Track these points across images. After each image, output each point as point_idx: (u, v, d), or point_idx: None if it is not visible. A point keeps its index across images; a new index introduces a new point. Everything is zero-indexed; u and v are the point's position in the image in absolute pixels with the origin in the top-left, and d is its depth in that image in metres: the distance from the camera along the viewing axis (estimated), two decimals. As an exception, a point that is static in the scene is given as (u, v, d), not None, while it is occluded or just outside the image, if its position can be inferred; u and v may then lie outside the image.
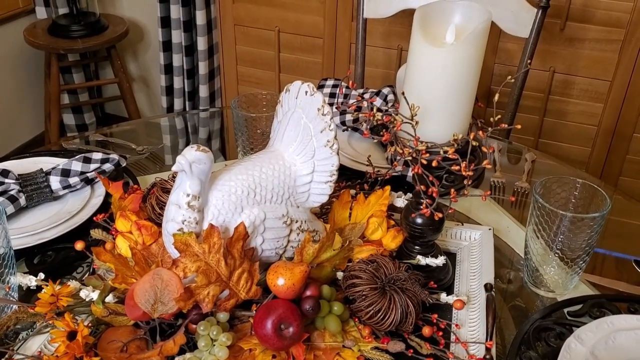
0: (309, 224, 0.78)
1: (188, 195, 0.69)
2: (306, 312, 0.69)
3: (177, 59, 2.43)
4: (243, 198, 0.72)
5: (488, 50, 1.85)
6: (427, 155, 0.69)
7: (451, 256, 0.88)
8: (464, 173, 0.68)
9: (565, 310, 0.80)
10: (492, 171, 1.12)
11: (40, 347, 0.70)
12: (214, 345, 0.67)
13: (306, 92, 0.73)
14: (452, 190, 0.72)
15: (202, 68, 2.39)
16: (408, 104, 0.67)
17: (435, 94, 0.69)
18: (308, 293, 0.70)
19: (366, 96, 1.15)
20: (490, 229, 0.91)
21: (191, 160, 0.68)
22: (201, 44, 2.33)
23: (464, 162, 0.67)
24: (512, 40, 1.76)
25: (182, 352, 0.68)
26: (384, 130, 0.70)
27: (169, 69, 2.47)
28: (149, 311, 0.66)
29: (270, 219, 0.73)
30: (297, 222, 0.76)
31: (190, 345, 0.69)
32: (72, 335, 0.64)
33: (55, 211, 0.96)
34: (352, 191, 0.89)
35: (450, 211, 0.74)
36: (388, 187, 0.84)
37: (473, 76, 0.69)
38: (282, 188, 0.75)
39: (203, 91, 2.45)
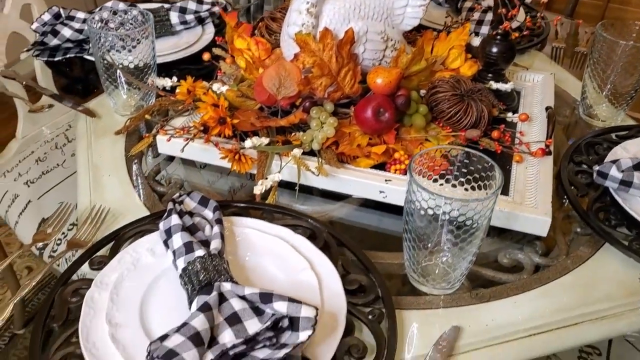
0: (401, 44, 0.92)
1: (307, 2, 0.83)
2: (399, 106, 0.84)
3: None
4: (350, 12, 0.86)
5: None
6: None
7: (517, 94, 1.01)
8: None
9: (613, 134, 0.93)
10: (553, 39, 1.24)
11: (182, 124, 0.87)
12: (323, 126, 0.83)
13: None
14: (528, 17, 0.85)
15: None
16: None
17: None
18: (400, 93, 0.85)
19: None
20: (552, 74, 1.04)
21: (312, -28, 0.82)
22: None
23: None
24: None
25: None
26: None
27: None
28: (274, 93, 0.82)
29: (371, 32, 0.87)
30: (392, 40, 0.90)
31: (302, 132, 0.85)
32: (214, 106, 0.81)
33: (173, 42, 1.12)
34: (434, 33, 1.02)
35: (524, 33, 0.86)
36: (468, 24, 0.97)
37: None
38: (382, 8, 0.88)
39: None
